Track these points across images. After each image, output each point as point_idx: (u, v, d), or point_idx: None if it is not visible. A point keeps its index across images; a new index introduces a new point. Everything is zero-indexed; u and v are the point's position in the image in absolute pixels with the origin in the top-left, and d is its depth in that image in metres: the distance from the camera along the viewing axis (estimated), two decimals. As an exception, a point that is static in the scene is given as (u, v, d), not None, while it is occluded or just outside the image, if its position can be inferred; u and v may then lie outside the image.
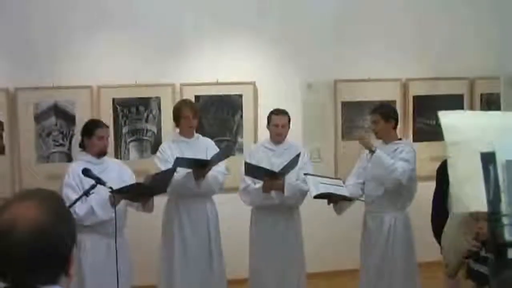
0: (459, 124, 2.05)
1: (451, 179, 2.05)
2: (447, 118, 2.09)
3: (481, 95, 8.22)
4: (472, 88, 8.19)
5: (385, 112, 6.15)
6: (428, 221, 6.11)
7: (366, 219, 6.25)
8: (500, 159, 1.95)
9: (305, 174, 6.05)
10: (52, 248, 1.81)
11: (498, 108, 7.78)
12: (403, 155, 6.00)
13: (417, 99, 8.05)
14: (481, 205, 1.93)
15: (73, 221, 1.94)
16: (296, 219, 6.34)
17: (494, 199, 1.91)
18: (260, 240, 6.31)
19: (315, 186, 5.88)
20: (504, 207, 1.93)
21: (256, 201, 6.24)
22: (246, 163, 6.06)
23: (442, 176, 6.00)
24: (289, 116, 6.32)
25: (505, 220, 1.94)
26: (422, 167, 6.36)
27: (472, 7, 8.10)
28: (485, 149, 1.95)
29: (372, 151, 6.00)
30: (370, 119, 6.33)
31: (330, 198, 5.99)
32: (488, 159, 1.93)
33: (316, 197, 5.83)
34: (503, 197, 1.91)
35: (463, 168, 1.99)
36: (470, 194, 1.95)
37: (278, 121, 6.28)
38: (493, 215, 1.94)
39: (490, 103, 8.16)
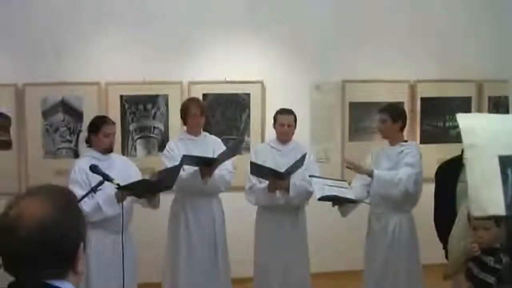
0: (477, 126, 2.03)
1: (469, 182, 2.04)
2: (465, 120, 2.07)
3: (489, 97, 8.19)
4: (480, 90, 8.17)
5: (394, 112, 6.12)
6: (433, 223, 6.12)
7: (371, 220, 6.24)
8: None
9: (310, 176, 6.04)
10: (57, 244, 1.82)
11: (506, 111, 7.77)
12: (407, 159, 5.97)
13: (425, 101, 8.03)
14: (499, 208, 1.92)
15: (81, 218, 1.95)
16: (301, 218, 6.34)
17: (509, 204, 1.91)
18: (265, 239, 6.30)
19: (320, 188, 5.87)
20: None
21: (261, 201, 6.24)
22: (251, 163, 6.05)
23: (442, 177, 6.02)
24: (295, 116, 6.31)
25: None
26: (429, 169, 6.33)
27: (482, 9, 8.08)
28: (504, 153, 1.94)
29: (370, 175, 5.96)
30: (378, 117, 6.28)
31: (335, 200, 5.98)
32: (506, 162, 1.93)
33: (320, 199, 5.82)
34: None
35: (481, 171, 1.98)
36: (488, 198, 1.93)
37: (284, 120, 6.27)
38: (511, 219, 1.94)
39: (498, 106, 8.14)
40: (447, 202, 5.71)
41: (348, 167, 6.13)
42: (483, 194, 1.96)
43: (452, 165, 6.03)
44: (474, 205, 1.99)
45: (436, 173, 6.22)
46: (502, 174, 1.93)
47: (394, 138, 6.10)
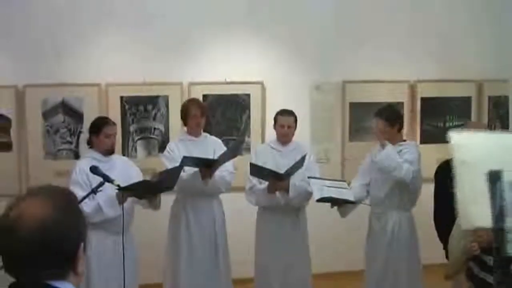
0: (469, 143, 2.05)
1: (458, 197, 2.07)
2: (458, 137, 2.10)
3: (489, 97, 8.20)
4: (480, 90, 8.18)
5: (390, 117, 6.04)
6: (433, 223, 6.12)
7: (371, 220, 6.24)
8: (508, 178, 1.97)
9: (309, 177, 6.04)
10: (58, 245, 1.83)
11: (506, 111, 7.78)
12: (407, 156, 5.96)
13: (425, 101, 8.04)
14: (486, 221, 1.95)
15: (82, 219, 1.95)
16: (301, 219, 6.34)
17: (499, 216, 1.94)
18: (266, 239, 6.30)
19: (319, 189, 5.87)
20: (509, 224, 1.96)
21: (261, 201, 6.24)
22: (251, 164, 6.05)
23: (442, 177, 6.02)
24: (295, 117, 6.30)
25: (509, 236, 1.98)
26: (429, 169, 6.33)
27: (482, 9, 8.08)
28: (494, 168, 1.97)
29: (383, 145, 5.94)
30: (374, 122, 6.23)
31: (333, 201, 5.98)
32: (495, 177, 1.95)
33: (319, 200, 5.83)
34: (508, 215, 1.94)
35: (470, 187, 2.01)
36: (476, 212, 1.97)
37: (284, 121, 6.27)
38: (498, 231, 1.96)
39: (498, 105, 8.15)
40: (447, 202, 5.70)
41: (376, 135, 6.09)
42: (471, 208, 1.99)
43: (451, 165, 6.03)
44: (463, 219, 2.02)
45: (436, 173, 6.22)
46: (490, 189, 1.96)
47: (393, 139, 6.08)
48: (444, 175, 6.00)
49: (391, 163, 5.86)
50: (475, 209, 2.00)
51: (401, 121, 6.16)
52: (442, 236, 5.55)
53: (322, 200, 5.82)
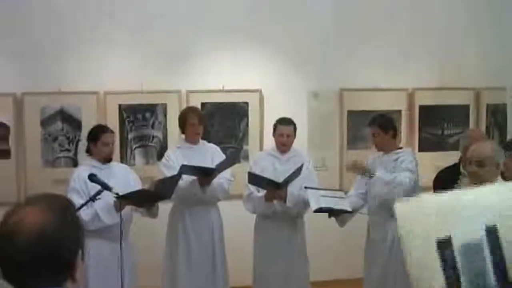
0: (414, 213, 2.03)
1: (408, 264, 2.05)
2: (402, 209, 2.06)
3: (487, 105, 8.21)
4: (478, 98, 8.19)
5: (383, 124, 6.08)
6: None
7: (369, 228, 6.24)
8: (456, 243, 1.95)
9: (305, 187, 6.03)
10: (55, 253, 1.83)
11: (504, 118, 7.80)
12: (405, 164, 5.95)
13: (423, 109, 8.05)
14: (441, 284, 1.94)
15: (80, 226, 1.96)
16: (300, 226, 6.34)
17: (453, 283, 1.93)
18: (264, 247, 6.30)
19: (316, 200, 5.87)
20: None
21: (259, 209, 6.24)
22: (249, 173, 6.06)
23: (441, 185, 6.03)
24: (295, 126, 6.31)
25: None
26: (427, 176, 6.34)
27: (479, 17, 8.10)
28: (441, 235, 1.96)
29: (371, 176, 5.95)
30: (369, 131, 6.28)
31: (331, 212, 5.98)
32: (444, 245, 1.95)
33: (316, 211, 5.83)
34: (462, 280, 1.93)
35: (420, 257, 1.99)
36: (429, 278, 1.96)
37: (284, 131, 6.27)
38: None
39: (496, 113, 8.16)
40: None
41: (354, 171, 6.10)
42: (425, 275, 1.98)
43: (449, 173, 6.06)
44: (416, 283, 2.00)
45: (434, 181, 6.23)
46: (441, 257, 1.95)
47: (389, 147, 6.09)
48: (442, 184, 6.02)
49: (386, 188, 5.85)
50: (429, 275, 1.98)
51: (394, 127, 6.15)
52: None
53: (319, 210, 5.83)
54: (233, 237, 6.63)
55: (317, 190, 6.06)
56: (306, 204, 6.06)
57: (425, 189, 6.14)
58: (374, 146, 6.21)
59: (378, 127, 6.06)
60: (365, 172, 5.99)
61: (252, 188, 6.20)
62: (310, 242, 6.46)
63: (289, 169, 6.01)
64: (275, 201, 6.08)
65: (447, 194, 2.12)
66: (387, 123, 6.14)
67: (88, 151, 5.85)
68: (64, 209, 1.92)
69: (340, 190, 6.58)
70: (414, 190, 5.95)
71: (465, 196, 2.05)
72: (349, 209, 5.97)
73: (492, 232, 1.93)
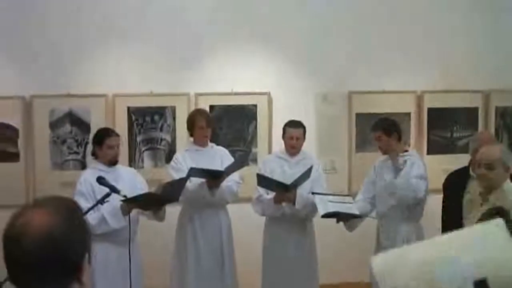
0: (393, 266, 1.98)
1: None
2: (379, 265, 2.00)
3: (496, 108, 8.17)
4: (487, 101, 8.15)
5: (386, 127, 6.07)
6: (440, 234, 6.09)
7: (378, 232, 6.23)
8: None
9: (313, 193, 6.03)
10: (61, 256, 1.83)
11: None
12: (416, 171, 5.92)
13: (432, 112, 8.01)
14: None
15: (87, 230, 1.96)
16: (309, 229, 6.33)
17: None
18: (273, 250, 6.29)
19: (323, 205, 5.86)
20: None
21: (268, 211, 6.24)
22: (258, 175, 6.06)
23: (451, 188, 6.02)
24: (304, 128, 6.30)
25: None
26: (436, 179, 6.32)
27: (488, 19, 8.07)
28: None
29: (400, 169, 5.93)
30: (372, 136, 6.26)
31: (339, 217, 5.97)
32: None
33: (324, 216, 5.81)
34: None
35: None
36: None
37: (293, 133, 6.26)
38: None
39: (505, 116, 8.13)
40: (455, 213, 5.70)
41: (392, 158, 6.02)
42: None
43: (458, 176, 6.04)
44: None
45: (444, 185, 6.21)
46: None
47: (394, 149, 6.05)
48: (452, 187, 6.00)
49: (409, 191, 5.83)
50: None
51: (398, 129, 6.11)
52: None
53: (327, 215, 5.81)
54: (242, 240, 6.63)
55: (325, 196, 6.05)
56: (315, 207, 6.03)
57: (434, 192, 6.14)
58: (379, 150, 6.18)
59: (381, 131, 6.05)
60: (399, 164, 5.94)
61: (261, 190, 6.19)
62: (319, 245, 6.45)
63: (298, 172, 6.01)
64: (284, 204, 6.08)
65: (426, 245, 2.08)
66: (390, 126, 6.11)
67: (94, 154, 5.86)
68: (71, 212, 1.92)
69: (348, 195, 6.57)
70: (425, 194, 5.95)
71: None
72: (357, 213, 5.95)
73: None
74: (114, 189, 5.09)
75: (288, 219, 6.15)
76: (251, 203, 6.33)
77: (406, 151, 6.19)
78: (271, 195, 6.12)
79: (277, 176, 6.11)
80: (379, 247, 6.17)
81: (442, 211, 6.16)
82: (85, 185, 5.59)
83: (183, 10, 7.47)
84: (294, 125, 6.28)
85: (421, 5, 7.97)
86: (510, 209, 4.28)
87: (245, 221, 6.68)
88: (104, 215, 5.47)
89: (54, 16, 7.25)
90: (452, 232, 2.04)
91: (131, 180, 5.82)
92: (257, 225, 6.44)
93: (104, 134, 5.82)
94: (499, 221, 1.91)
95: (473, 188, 5.29)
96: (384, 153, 6.13)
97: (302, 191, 6.05)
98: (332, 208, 5.84)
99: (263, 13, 7.63)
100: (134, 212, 5.61)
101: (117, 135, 5.91)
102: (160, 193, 5.63)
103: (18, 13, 7.19)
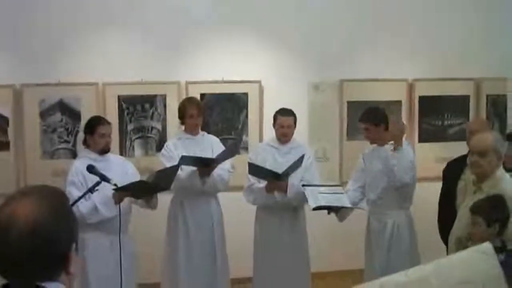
0: None
1: None
2: None
3: (487, 96, 8.18)
4: (479, 89, 8.16)
5: (373, 117, 6.05)
6: (433, 222, 6.10)
7: (369, 219, 6.23)
8: None
9: (303, 185, 6.02)
10: (48, 246, 1.81)
11: (504, 109, 7.79)
12: (407, 162, 5.92)
13: (423, 100, 8.02)
14: None
15: (73, 219, 1.94)
16: (300, 217, 6.33)
17: None
18: (264, 239, 6.29)
19: (314, 197, 5.85)
20: None
21: (259, 200, 6.23)
22: (249, 163, 6.05)
23: (451, 175, 6.03)
24: (295, 116, 6.28)
25: None
26: (427, 167, 6.35)
27: (479, 8, 8.07)
28: None
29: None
30: (360, 126, 6.24)
31: (330, 208, 5.97)
32: None
33: (315, 209, 5.81)
34: None
35: None
36: None
37: (284, 121, 6.24)
38: None
39: (497, 104, 8.14)
40: (451, 201, 5.71)
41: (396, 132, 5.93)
42: None
43: (457, 163, 6.05)
44: None
45: (443, 172, 6.23)
46: None
47: (382, 139, 6.04)
48: (450, 174, 6.01)
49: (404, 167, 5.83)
50: None
51: (385, 119, 6.07)
52: (444, 235, 5.52)
53: (318, 208, 5.81)
54: (233, 228, 6.62)
55: (316, 187, 6.04)
56: (306, 197, 6.04)
57: (426, 180, 6.14)
58: (367, 140, 6.16)
59: (368, 121, 6.03)
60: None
61: (253, 179, 6.18)
62: (310, 233, 6.45)
63: (290, 160, 6.00)
64: (275, 192, 6.07)
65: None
66: (377, 116, 6.10)
67: (85, 143, 5.84)
68: (57, 201, 1.90)
69: (339, 185, 6.56)
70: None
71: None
72: (348, 205, 5.95)
73: None
74: (104, 178, 5.07)
75: (280, 208, 6.15)
76: (243, 192, 6.31)
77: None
78: (262, 184, 6.11)
79: (269, 165, 6.10)
80: (370, 232, 6.18)
81: (440, 199, 6.17)
82: (76, 174, 5.56)
83: (174, -2, 7.45)
84: (284, 113, 6.26)
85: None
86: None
87: (236, 209, 6.67)
88: (96, 204, 5.46)
89: (44, 4, 7.20)
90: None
91: (122, 169, 5.80)
92: (248, 213, 6.43)
93: (96, 123, 5.79)
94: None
95: (468, 175, 5.29)
96: (372, 143, 6.12)
97: (294, 179, 6.05)
98: (322, 201, 5.83)
99: (255, 2, 7.61)
100: (126, 201, 5.59)
101: (109, 123, 5.89)
102: (151, 181, 5.61)
103: (7, 1, 7.14)
